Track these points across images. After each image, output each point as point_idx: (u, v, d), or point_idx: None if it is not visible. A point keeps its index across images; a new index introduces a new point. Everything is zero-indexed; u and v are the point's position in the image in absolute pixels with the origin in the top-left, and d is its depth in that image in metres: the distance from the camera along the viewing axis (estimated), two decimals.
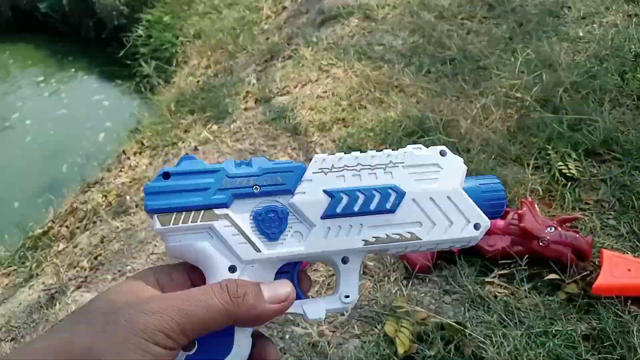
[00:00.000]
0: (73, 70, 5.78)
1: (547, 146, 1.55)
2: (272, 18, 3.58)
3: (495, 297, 1.30)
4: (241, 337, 0.42)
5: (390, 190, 0.45)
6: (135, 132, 3.22)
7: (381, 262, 1.49)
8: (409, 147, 0.47)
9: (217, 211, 0.43)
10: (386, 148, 1.64)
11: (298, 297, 0.44)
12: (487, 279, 1.33)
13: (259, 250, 0.43)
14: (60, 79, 5.63)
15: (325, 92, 2.20)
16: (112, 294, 0.41)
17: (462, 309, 1.31)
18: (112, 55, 5.11)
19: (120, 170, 2.73)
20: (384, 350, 1.29)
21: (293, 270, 0.45)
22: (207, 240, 0.42)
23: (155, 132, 2.90)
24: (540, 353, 1.16)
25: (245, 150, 2.15)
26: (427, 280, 1.40)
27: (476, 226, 0.46)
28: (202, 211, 0.42)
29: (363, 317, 1.39)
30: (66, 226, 2.57)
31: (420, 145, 0.48)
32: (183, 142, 2.56)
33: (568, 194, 1.46)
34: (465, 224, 0.46)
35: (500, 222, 1.36)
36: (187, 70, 3.62)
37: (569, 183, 1.49)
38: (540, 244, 1.28)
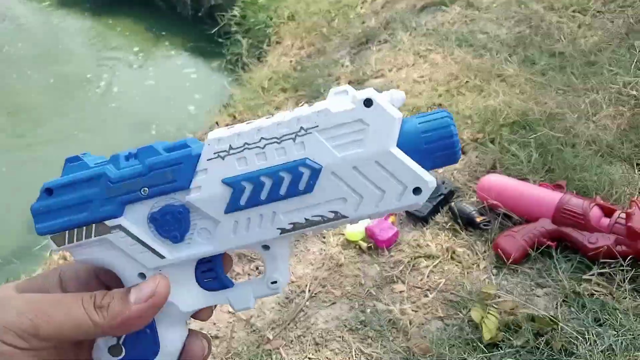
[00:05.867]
0: (167, 44, 6.05)
1: None
2: (368, 3, 3.57)
3: (592, 295, 1.26)
4: (167, 337, 0.41)
5: (301, 168, 0.37)
6: (227, 106, 3.35)
7: (471, 250, 1.48)
8: (330, 94, 0.38)
9: (108, 223, 0.39)
10: (484, 137, 1.58)
11: (224, 286, 0.42)
12: (584, 276, 1.29)
13: (162, 257, 0.40)
14: (153, 52, 5.90)
15: (422, 76, 2.18)
16: (2, 290, 0.40)
17: (555, 303, 1.28)
18: (206, 32, 5.31)
19: None
20: (468, 334, 1.28)
21: (215, 259, 0.42)
22: (109, 250, 0.40)
23: (247, 107, 3.00)
24: (637, 357, 1.11)
25: None
26: (519, 271, 1.38)
27: (416, 190, 0.37)
28: (94, 225, 0.39)
29: (448, 300, 1.39)
30: None
31: (345, 88, 0.38)
32: None
33: None
34: (401, 190, 0.37)
35: (604, 220, 1.31)
36: (281, 51, 3.70)
37: None
38: None
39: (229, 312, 1.53)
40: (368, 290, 1.46)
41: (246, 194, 0.38)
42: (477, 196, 1.56)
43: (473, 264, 1.44)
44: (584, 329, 1.19)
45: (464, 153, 1.75)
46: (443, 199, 1.59)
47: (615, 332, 1.16)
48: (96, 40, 6.47)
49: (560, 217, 1.35)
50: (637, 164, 1.47)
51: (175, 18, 6.34)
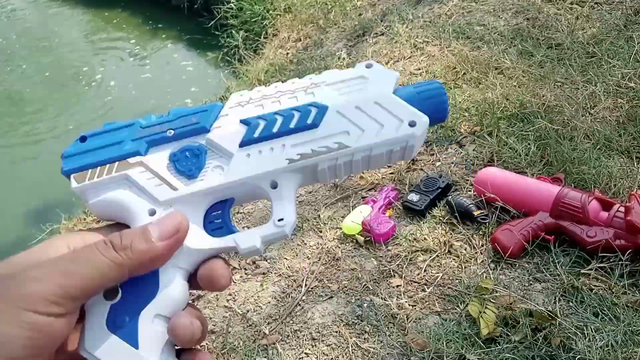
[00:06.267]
0: (163, 36, 6.00)
1: None
2: None
3: (591, 289, 1.25)
4: (167, 277, 0.40)
5: (310, 107, 0.42)
6: (223, 99, 3.33)
7: (468, 244, 1.47)
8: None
9: (131, 160, 0.42)
10: (482, 130, 1.57)
11: (230, 232, 0.42)
12: (583, 271, 1.28)
13: (175, 189, 0.41)
14: (149, 46, 5.86)
15: (419, 69, 2.16)
16: (12, 260, 0.38)
17: (553, 298, 1.27)
18: (202, 25, 5.27)
19: None
20: (465, 329, 1.27)
21: (224, 208, 0.43)
22: (125, 189, 0.41)
23: None
24: (637, 352, 1.11)
25: None
26: (517, 265, 1.36)
27: (412, 123, 0.42)
28: (117, 163, 0.41)
29: (445, 295, 1.38)
30: None
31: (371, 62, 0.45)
32: None
33: None
34: (398, 123, 0.42)
35: (603, 214, 1.30)
36: (277, 43, 3.67)
37: None
38: None
39: (225, 306, 1.52)
40: (365, 285, 1.45)
41: (260, 128, 0.42)
42: (474, 190, 1.54)
43: (470, 258, 1.43)
44: (582, 323, 1.18)
45: (462, 146, 1.74)
46: (440, 193, 1.58)
47: (614, 327, 1.15)
48: (92, 33, 6.42)
49: (559, 211, 1.33)
50: (636, 157, 1.46)
51: (171, 11, 6.28)
